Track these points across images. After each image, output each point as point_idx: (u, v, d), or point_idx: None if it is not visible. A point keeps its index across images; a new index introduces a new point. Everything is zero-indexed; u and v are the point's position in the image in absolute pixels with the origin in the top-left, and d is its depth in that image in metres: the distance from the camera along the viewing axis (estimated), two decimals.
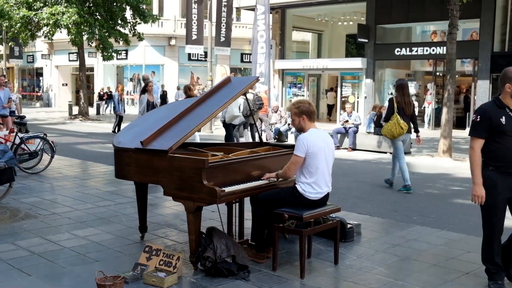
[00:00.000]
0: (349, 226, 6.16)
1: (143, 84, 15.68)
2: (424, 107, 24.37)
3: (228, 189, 4.96)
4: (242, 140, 15.42)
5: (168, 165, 5.07)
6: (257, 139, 14.41)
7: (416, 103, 23.79)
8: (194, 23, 22.39)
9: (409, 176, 9.44)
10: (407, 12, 24.15)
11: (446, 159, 13.79)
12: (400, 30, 26.25)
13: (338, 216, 5.85)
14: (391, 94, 24.94)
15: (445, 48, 16.15)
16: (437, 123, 21.89)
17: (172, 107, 6.57)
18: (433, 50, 23.43)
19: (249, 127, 15.32)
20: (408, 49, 24.25)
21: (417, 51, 23.98)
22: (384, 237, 6.36)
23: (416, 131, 9.59)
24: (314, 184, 5.05)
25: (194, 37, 22.56)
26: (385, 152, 14.65)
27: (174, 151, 5.14)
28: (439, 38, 23.84)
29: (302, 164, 5.01)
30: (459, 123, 23.84)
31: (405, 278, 4.97)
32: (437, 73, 24.10)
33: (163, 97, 22.75)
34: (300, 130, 5.23)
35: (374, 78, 25.32)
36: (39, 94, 42.05)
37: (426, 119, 24.29)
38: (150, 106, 12.28)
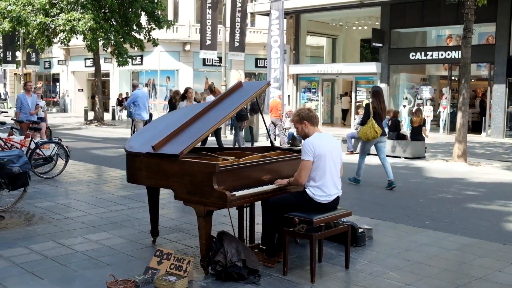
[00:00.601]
0: (360, 230, 6.14)
1: (142, 88, 15.84)
2: (439, 112, 24.22)
3: (238, 193, 4.97)
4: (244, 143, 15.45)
5: (179, 170, 5.10)
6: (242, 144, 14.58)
7: (431, 108, 23.81)
8: (208, 28, 22.49)
9: (422, 180, 9.41)
10: (421, 16, 24.07)
11: (461, 163, 13.68)
12: (415, 35, 26.14)
13: (349, 220, 5.85)
14: (406, 98, 24.85)
15: (460, 52, 16.04)
16: (452, 128, 21.75)
17: (184, 112, 6.60)
18: (448, 55, 23.30)
19: (238, 130, 15.29)
20: (423, 53, 24.14)
21: (432, 55, 23.86)
22: (396, 241, 6.33)
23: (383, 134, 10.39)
24: (323, 187, 5.05)
25: (208, 42, 22.65)
26: (399, 157, 14.58)
27: (185, 156, 5.17)
28: (455, 42, 23.70)
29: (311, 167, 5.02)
30: (475, 128, 23.66)
31: (417, 282, 4.94)
32: (453, 78, 23.94)
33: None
34: (305, 136, 5.27)
35: (388, 82, 25.24)
36: (55, 99, 42.46)
37: (441, 123, 24.14)
38: None
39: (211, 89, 14.86)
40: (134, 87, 15.71)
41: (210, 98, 13.25)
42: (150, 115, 15.33)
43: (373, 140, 10.20)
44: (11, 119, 14.06)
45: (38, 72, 42.98)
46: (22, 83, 14.09)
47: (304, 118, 5.21)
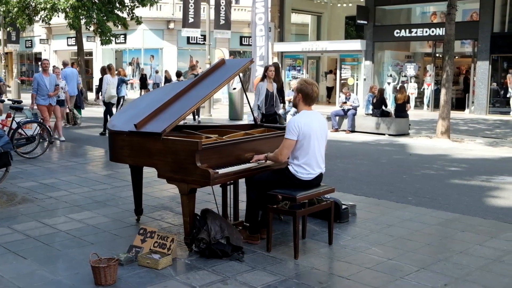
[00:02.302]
0: (344, 207, 6.18)
1: (70, 67, 15.79)
2: (424, 89, 24.31)
3: (221, 171, 4.97)
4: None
5: (161, 148, 5.08)
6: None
7: (415, 85, 23.90)
8: (191, 6, 22.26)
9: (406, 157, 9.49)
10: None
11: (444, 140, 13.79)
12: (399, 12, 26.10)
13: (333, 197, 5.88)
14: (390, 76, 24.91)
15: (444, 29, 16.06)
16: (436, 105, 21.86)
17: (166, 89, 6.56)
18: (433, 32, 23.32)
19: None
20: (407, 30, 24.13)
21: (416, 32, 23.87)
22: (379, 217, 6.39)
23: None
24: (306, 165, 5.05)
25: (191, 20, 22.45)
26: (384, 134, 14.66)
27: (167, 134, 5.14)
28: (439, 19, 23.72)
29: (294, 146, 5.01)
30: (459, 105, 23.80)
31: (399, 257, 5.00)
32: (437, 55, 24.00)
33: (167, 82, 22.62)
34: (295, 106, 5.30)
35: (373, 60, 25.25)
36: None
37: (425, 100, 24.26)
38: (269, 97, 9.67)
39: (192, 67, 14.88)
40: (65, 65, 16.50)
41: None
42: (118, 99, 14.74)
43: None
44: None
45: (19, 51, 42.36)
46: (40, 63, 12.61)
47: (300, 91, 5.11)
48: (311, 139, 5.01)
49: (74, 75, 15.58)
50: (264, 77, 9.84)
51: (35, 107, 11.85)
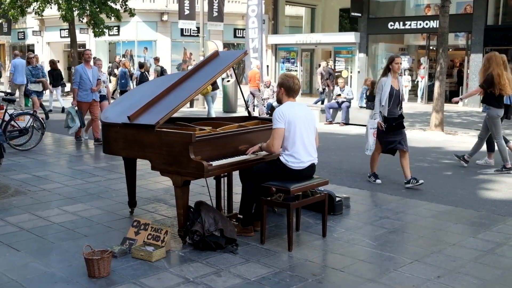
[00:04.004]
0: (337, 199, 6.19)
1: (19, 58, 16.02)
2: (417, 81, 24.33)
3: (215, 163, 4.96)
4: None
5: (155, 140, 5.06)
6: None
7: (409, 77, 23.90)
8: None
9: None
10: None
11: (438, 132, 13.82)
12: (393, 4, 26.08)
13: (327, 189, 5.88)
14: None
15: (438, 21, 16.05)
16: (430, 97, 21.89)
17: (160, 81, 6.53)
18: (427, 24, 23.31)
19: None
20: (401, 23, 24.12)
21: (410, 25, 23.86)
22: (372, 210, 6.40)
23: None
24: (296, 154, 5.06)
25: (187, 12, 22.38)
26: None
27: (161, 126, 5.13)
28: (433, 11, 23.70)
29: (284, 136, 5.03)
30: (452, 97, 23.76)
31: (392, 250, 5.01)
32: (431, 47, 24.00)
33: (162, 74, 22.57)
34: (279, 101, 5.31)
35: (367, 52, 25.24)
36: None
37: (419, 93, 24.28)
38: (394, 95, 7.74)
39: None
40: (15, 55, 16.98)
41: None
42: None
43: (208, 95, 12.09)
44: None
45: (12, 43, 42.08)
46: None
47: (282, 85, 5.20)
48: (297, 127, 5.03)
49: (23, 66, 15.69)
50: (388, 70, 7.81)
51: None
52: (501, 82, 8.51)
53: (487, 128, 9.16)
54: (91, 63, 11.20)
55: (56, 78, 18.64)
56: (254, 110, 17.09)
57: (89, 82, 10.67)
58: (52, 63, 19.39)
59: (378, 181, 7.97)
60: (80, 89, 10.68)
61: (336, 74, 25.77)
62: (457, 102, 9.87)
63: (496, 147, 9.11)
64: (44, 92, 15.04)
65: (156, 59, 20.31)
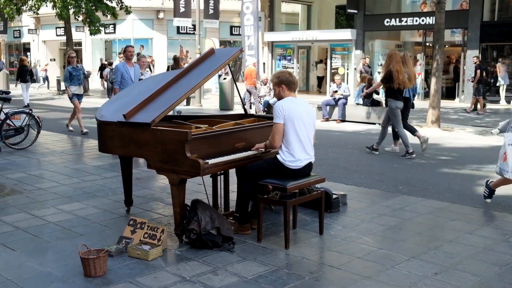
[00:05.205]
0: (334, 196, 6.17)
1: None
2: None
3: (211, 161, 4.94)
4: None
5: (151, 138, 5.04)
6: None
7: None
8: None
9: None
10: None
11: (434, 129, 13.82)
12: (389, 1, 26.09)
13: (323, 186, 5.87)
14: (381, 65, 24.88)
15: (434, 18, 16.03)
16: (426, 94, 21.90)
17: (155, 79, 6.50)
18: (423, 21, 23.30)
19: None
20: (397, 19, 24.11)
21: (406, 21, 23.86)
22: (369, 207, 6.39)
23: None
24: (293, 152, 5.04)
25: (182, 9, 22.32)
26: (374, 123, 14.65)
27: (157, 124, 5.10)
28: (429, 8, 23.68)
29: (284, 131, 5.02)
30: (449, 94, 23.85)
31: (389, 247, 5.00)
32: (427, 44, 24.01)
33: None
34: (280, 99, 5.24)
35: (364, 49, 25.22)
36: None
37: None
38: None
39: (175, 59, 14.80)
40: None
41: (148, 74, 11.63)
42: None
43: None
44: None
45: (8, 41, 41.94)
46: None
47: (283, 82, 5.17)
48: (296, 123, 5.00)
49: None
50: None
51: None
52: (399, 77, 9.52)
53: (389, 118, 10.17)
54: (134, 60, 10.26)
55: (23, 75, 19.57)
56: (250, 108, 17.05)
57: (131, 81, 9.64)
58: (22, 60, 20.40)
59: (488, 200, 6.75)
60: (121, 89, 9.49)
61: (332, 71, 25.81)
62: (364, 97, 11.26)
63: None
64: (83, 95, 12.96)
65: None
